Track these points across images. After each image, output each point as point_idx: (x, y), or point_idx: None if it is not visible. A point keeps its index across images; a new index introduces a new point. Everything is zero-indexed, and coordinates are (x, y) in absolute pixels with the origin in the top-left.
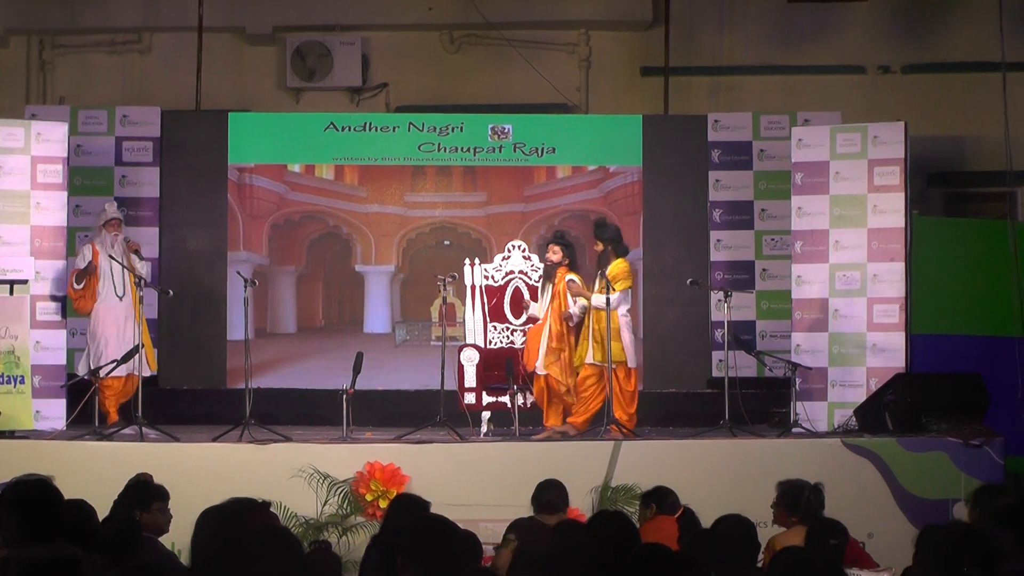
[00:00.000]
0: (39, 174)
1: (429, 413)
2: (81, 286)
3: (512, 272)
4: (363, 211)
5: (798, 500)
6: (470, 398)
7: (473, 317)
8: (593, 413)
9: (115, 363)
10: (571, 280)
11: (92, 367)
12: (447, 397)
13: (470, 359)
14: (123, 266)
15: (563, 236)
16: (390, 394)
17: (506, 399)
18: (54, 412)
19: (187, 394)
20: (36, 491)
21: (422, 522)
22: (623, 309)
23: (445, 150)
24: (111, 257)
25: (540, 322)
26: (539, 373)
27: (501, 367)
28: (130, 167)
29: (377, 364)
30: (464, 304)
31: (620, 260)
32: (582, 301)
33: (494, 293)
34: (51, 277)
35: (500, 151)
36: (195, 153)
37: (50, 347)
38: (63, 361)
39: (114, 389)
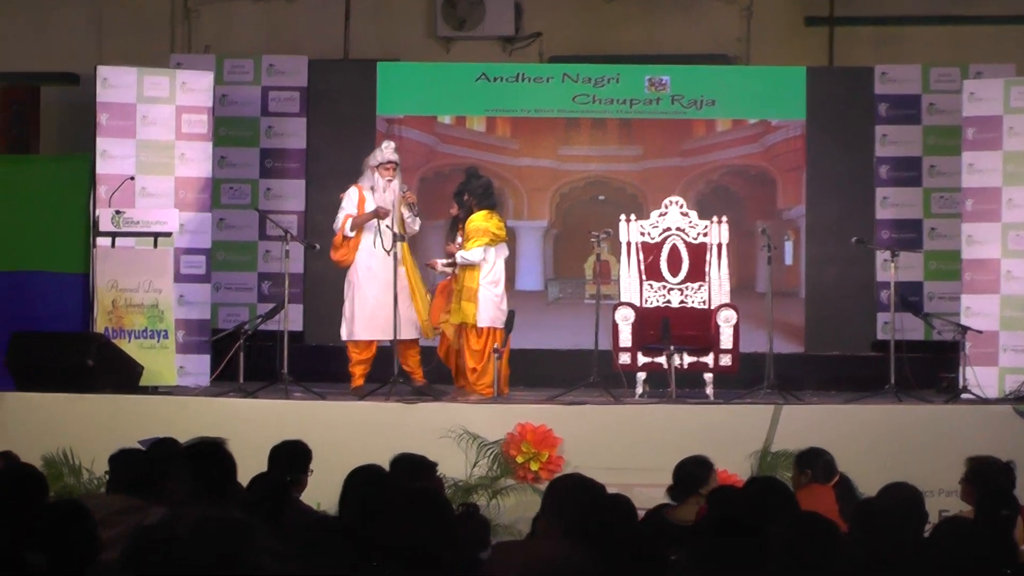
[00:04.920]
0: (184, 124)
1: (582, 373)
2: (354, 234)
3: (669, 229)
4: (515, 164)
5: (988, 478)
6: (625, 358)
7: (628, 275)
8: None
9: (260, 319)
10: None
11: (347, 329)
12: (601, 357)
13: (625, 318)
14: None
15: (461, 188)
16: (542, 353)
17: (662, 360)
18: (198, 368)
19: (333, 351)
20: (212, 451)
21: (561, 482)
22: (485, 268)
23: (600, 102)
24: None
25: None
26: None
27: (657, 327)
28: (276, 117)
29: (529, 322)
30: (619, 261)
31: (481, 212)
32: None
33: (650, 250)
34: (195, 229)
35: (657, 103)
36: (343, 103)
37: (194, 301)
38: (207, 316)
39: (360, 355)
